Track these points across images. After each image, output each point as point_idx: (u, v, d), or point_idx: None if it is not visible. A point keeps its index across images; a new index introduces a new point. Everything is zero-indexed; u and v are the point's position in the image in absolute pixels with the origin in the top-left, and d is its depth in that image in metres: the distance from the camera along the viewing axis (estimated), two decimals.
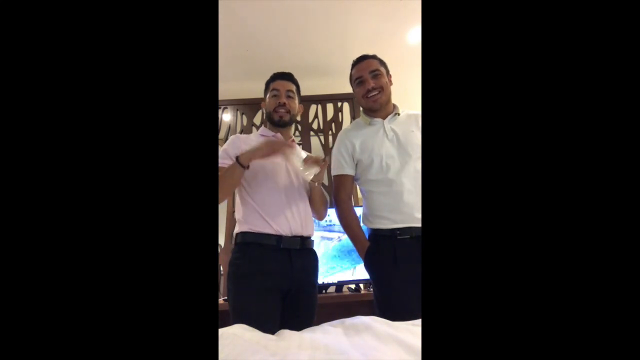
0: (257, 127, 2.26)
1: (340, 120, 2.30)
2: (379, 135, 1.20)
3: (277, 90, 1.20)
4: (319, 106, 2.34)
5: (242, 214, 1.11)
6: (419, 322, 0.63)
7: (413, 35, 2.03)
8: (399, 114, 1.24)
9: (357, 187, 1.31)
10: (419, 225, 1.08)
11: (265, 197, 1.09)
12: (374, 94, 1.20)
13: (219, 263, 1.90)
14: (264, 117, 1.55)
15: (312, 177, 1.06)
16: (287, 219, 1.07)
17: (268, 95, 1.22)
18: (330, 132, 2.29)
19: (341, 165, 1.23)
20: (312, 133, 2.29)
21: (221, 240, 2.01)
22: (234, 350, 0.49)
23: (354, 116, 2.23)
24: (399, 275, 1.05)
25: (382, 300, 1.10)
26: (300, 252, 1.08)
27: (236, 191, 1.16)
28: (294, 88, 1.23)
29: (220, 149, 1.14)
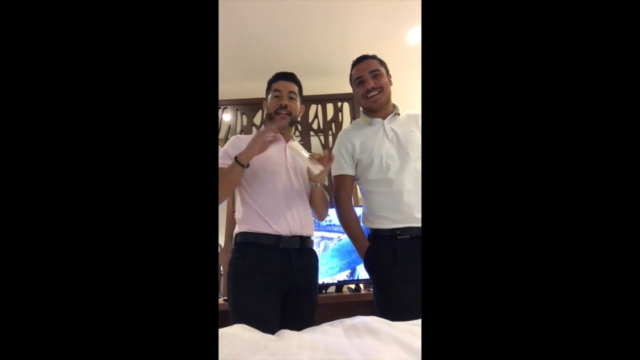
0: (257, 127, 2.25)
1: (340, 120, 2.29)
2: (379, 135, 1.20)
3: (279, 91, 1.19)
4: (319, 106, 2.34)
5: (242, 214, 1.11)
6: (419, 322, 0.63)
7: (413, 35, 2.03)
8: (399, 114, 1.24)
9: (357, 187, 1.31)
10: (419, 225, 1.08)
11: (265, 198, 1.09)
12: (374, 94, 1.20)
13: (219, 263, 1.90)
14: (265, 117, 1.54)
15: (318, 171, 1.06)
16: (287, 219, 1.07)
17: (270, 96, 1.21)
18: (330, 132, 2.28)
19: (341, 165, 1.23)
20: (312, 133, 2.29)
21: (221, 240, 2.01)
22: (234, 350, 0.49)
23: (354, 116, 2.23)
24: (398, 275, 1.05)
25: (382, 300, 1.10)
26: (300, 252, 1.08)
27: (236, 191, 1.16)
28: (296, 89, 1.22)
29: (221, 150, 1.13)
